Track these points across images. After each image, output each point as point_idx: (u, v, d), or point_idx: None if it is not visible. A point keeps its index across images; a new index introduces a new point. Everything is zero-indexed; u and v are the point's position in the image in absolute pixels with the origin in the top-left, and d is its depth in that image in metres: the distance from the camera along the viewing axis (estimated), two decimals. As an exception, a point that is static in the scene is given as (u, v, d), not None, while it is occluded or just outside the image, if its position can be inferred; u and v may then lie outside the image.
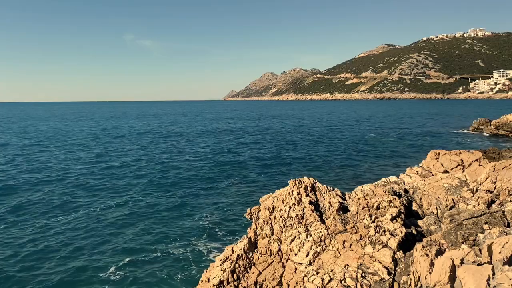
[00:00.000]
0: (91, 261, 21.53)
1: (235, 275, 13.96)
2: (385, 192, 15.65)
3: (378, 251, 12.14)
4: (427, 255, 9.38)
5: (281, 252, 14.36)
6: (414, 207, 16.11)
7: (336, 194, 16.12)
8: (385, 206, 14.23)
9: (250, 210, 17.44)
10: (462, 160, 19.99)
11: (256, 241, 15.64)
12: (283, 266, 13.81)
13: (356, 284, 11.09)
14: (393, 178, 19.64)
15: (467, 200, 14.19)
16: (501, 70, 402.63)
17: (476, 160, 19.30)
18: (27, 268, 20.81)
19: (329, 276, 11.53)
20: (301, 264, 13.10)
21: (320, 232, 13.77)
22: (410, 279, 10.07)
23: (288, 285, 12.84)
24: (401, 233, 12.72)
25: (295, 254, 13.53)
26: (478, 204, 13.26)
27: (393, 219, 13.47)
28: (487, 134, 79.71)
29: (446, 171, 19.69)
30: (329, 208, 15.08)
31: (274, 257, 14.36)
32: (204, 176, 43.15)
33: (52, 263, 21.43)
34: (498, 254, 7.93)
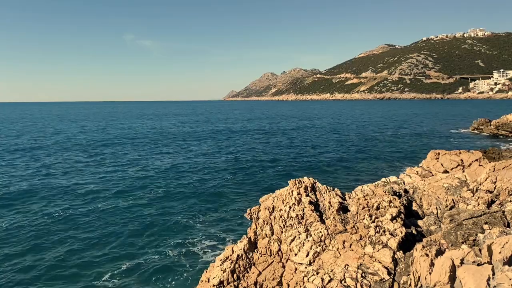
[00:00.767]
0: (90, 261, 21.51)
1: (235, 275, 13.96)
2: (385, 192, 15.65)
3: (378, 251, 12.14)
4: (427, 255, 9.38)
5: (281, 252, 14.36)
6: (414, 207, 16.12)
7: (336, 194, 16.13)
8: (385, 206, 14.24)
9: (250, 210, 17.44)
10: (462, 160, 20.00)
11: (256, 241, 15.64)
12: (283, 266, 13.82)
13: (356, 284, 11.09)
14: (393, 178, 19.65)
15: (467, 200, 14.20)
16: (501, 70, 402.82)
17: (476, 160, 19.31)
18: (16, 271, 20.82)
19: (329, 276, 11.53)
20: (301, 264, 13.10)
21: (320, 232, 13.77)
22: (410, 279, 10.07)
23: (288, 285, 12.84)
24: (401, 233, 12.72)
25: (295, 254, 13.53)
26: (478, 204, 13.26)
27: (393, 219, 13.48)
28: (487, 134, 79.71)
29: (446, 171, 19.70)
30: (329, 208, 15.08)
31: (274, 257, 14.36)
32: (204, 176, 43.15)
33: (48, 264, 21.43)
34: (498, 254, 7.94)
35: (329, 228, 13.95)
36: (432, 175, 19.49)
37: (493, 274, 7.34)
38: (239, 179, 41.54)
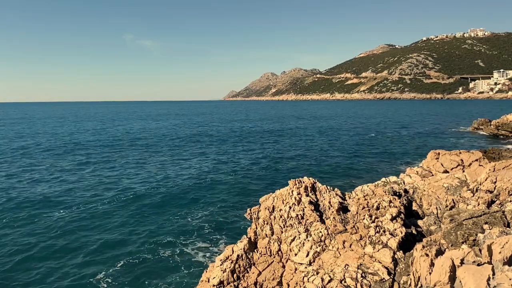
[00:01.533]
0: (88, 261, 21.52)
1: (235, 275, 13.96)
2: (385, 192, 15.66)
3: (378, 251, 12.14)
4: (427, 255, 9.38)
5: (281, 252, 14.36)
6: (414, 207, 16.12)
7: (336, 194, 16.13)
8: (385, 206, 14.24)
9: (250, 210, 17.44)
10: (462, 160, 20.01)
11: (256, 241, 15.64)
12: (283, 266, 13.82)
13: (356, 284, 11.09)
14: (393, 178, 19.65)
15: (467, 200, 14.20)
16: (501, 70, 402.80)
17: (476, 160, 19.31)
18: (12, 270, 20.82)
19: (329, 276, 11.53)
20: (301, 264, 13.10)
21: (320, 232, 13.77)
22: (410, 279, 10.07)
23: (288, 285, 12.84)
24: (401, 233, 12.72)
25: (295, 254, 13.53)
26: (478, 204, 13.26)
27: (393, 219, 13.48)
28: (487, 134, 79.70)
29: (446, 171, 19.70)
30: (329, 208, 15.08)
31: (274, 257, 14.36)
32: (204, 176, 43.16)
33: (42, 265, 21.42)
34: (498, 254, 7.93)
35: (329, 228, 13.95)
36: (432, 175, 19.50)
37: (493, 274, 7.34)
38: (239, 179, 41.54)
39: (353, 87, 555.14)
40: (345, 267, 11.87)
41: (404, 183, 18.93)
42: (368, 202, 14.76)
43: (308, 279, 11.90)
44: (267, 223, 15.77)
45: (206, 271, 15.24)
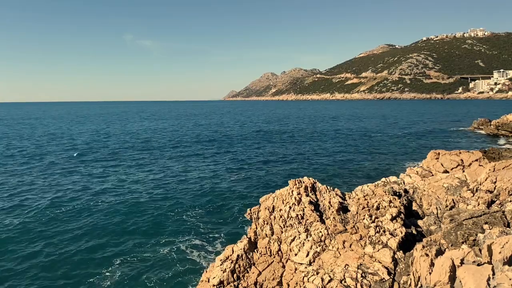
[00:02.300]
0: (89, 261, 21.52)
1: (235, 275, 13.96)
2: (385, 192, 15.66)
3: (378, 251, 12.14)
4: (427, 255, 9.38)
5: (281, 252, 14.37)
6: (414, 207, 16.12)
7: (336, 194, 16.13)
8: (385, 206, 14.24)
9: (250, 210, 17.45)
10: (462, 160, 20.01)
11: (256, 241, 15.64)
12: (283, 266, 13.82)
13: (356, 284, 11.09)
14: (393, 178, 19.65)
15: (467, 200, 14.20)
16: (501, 70, 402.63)
17: (476, 160, 19.32)
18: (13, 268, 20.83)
19: (329, 276, 11.54)
20: (301, 264, 13.10)
21: (320, 232, 13.77)
22: (410, 279, 10.07)
23: (288, 285, 12.84)
24: (401, 233, 12.73)
25: (295, 254, 13.53)
26: (478, 204, 13.27)
27: (393, 219, 13.48)
28: (487, 134, 79.72)
29: (446, 171, 19.70)
30: (329, 208, 15.08)
31: (274, 257, 14.36)
32: (204, 176, 43.16)
33: (40, 264, 21.42)
34: (498, 254, 7.93)
35: (329, 228, 13.95)
36: (432, 175, 19.50)
37: (493, 274, 7.34)
38: (239, 179, 41.53)
39: (353, 87, 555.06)
40: (345, 267, 11.87)
41: (404, 183, 18.93)
42: (368, 202, 14.77)
43: (308, 279, 11.90)
44: (267, 223, 15.77)
45: (206, 271, 15.24)
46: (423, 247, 9.96)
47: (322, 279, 11.49)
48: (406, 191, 17.51)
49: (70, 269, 20.78)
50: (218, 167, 48.60)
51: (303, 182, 16.87)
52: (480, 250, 9.29)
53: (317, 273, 11.97)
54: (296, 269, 13.06)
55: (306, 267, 12.78)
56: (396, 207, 14.10)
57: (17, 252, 22.88)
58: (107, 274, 20.05)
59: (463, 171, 18.17)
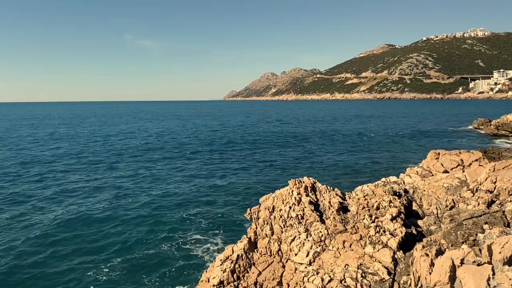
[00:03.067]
0: (84, 261, 21.51)
1: (235, 275, 13.96)
2: (385, 192, 15.65)
3: (378, 251, 12.14)
4: (427, 255, 9.38)
5: (281, 252, 14.37)
6: (414, 207, 16.12)
7: (336, 194, 16.13)
8: (385, 206, 14.24)
9: (250, 210, 17.44)
10: (462, 160, 20.00)
11: (256, 241, 15.64)
12: (283, 266, 13.82)
13: (356, 284, 11.09)
14: (393, 178, 19.65)
15: (467, 200, 14.19)
16: (501, 70, 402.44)
17: (476, 160, 19.31)
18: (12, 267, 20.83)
19: (329, 276, 11.53)
20: (301, 264, 13.10)
21: (320, 232, 13.77)
22: (410, 279, 10.07)
23: (288, 285, 12.84)
24: (401, 233, 12.72)
25: (295, 254, 13.53)
26: (478, 204, 13.26)
27: (393, 219, 13.48)
28: (487, 134, 79.71)
29: (446, 171, 19.69)
30: (329, 208, 15.08)
31: (274, 257, 14.36)
32: (204, 176, 43.16)
33: (42, 262, 21.42)
34: (498, 254, 7.93)
35: (329, 228, 13.95)
36: (432, 175, 19.49)
37: (493, 274, 7.33)
38: (239, 179, 41.53)
39: (353, 87, 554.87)
40: (345, 267, 11.87)
41: (404, 183, 18.93)
42: (368, 202, 14.76)
43: (308, 279, 11.90)
44: (267, 223, 15.77)
45: (206, 271, 15.24)
46: (423, 247, 9.96)
47: (322, 279, 11.49)
48: (406, 191, 17.51)
49: (74, 267, 20.79)
50: (217, 168, 48.59)
51: (303, 182, 16.87)
52: (480, 250, 9.29)
53: (317, 273, 11.97)
54: (296, 269, 13.06)
55: (306, 267, 12.78)
56: (396, 207, 14.10)
57: (15, 249, 22.89)
58: (107, 273, 20.04)
59: (463, 171, 18.16)
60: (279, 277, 13.47)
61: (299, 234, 14.14)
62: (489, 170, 15.55)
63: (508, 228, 10.56)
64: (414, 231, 13.41)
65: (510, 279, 6.88)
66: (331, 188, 16.78)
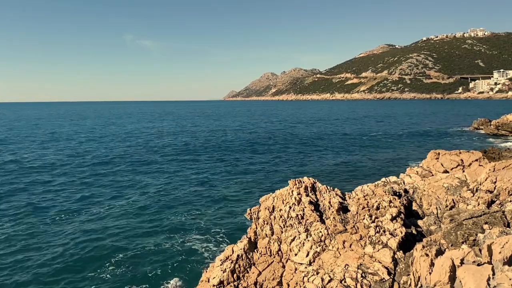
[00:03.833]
0: (85, 261, 21.52)
1: (235, 275, 13.96)
2: (385, 192, 15.65)
3: (378, 251, 12.14)
4: (427, 255, 9.38)
5: (281, 252, 14.36)
6: (414, 207, 16.12)
7: (336, 194, 16.12)
8: (385, 206, 14.24)
9: (250, 210, 17.44)
10: (462, 160, 19.99)
11: (256, 241, 15.64)
12: (283, 266, 13.82)
13: (356, 284, 11.09)
14: (393, 178, 19.64)
15: (467, 200, 14.19)
16: (501, 70, 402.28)
17: (476, 160, 19.30)
18: (16, 264, 20.83)
19: (329, 276, 11.53)
20: (301, 264, 13.10)
21: (320, 232, 13.76)
22: (410, 279, 10.07)
23: (288, 285, 12.84)
24: (401, 233, 12.72)
25: (295, 254, 13.53)
26: (478, 204, 13.26)
27: (393, 219, 13.47)
28: (487, 134, 79.71)
29: (446, 171, 19.69)
30: (329, 208, 15.08)
31: (274, 257, 14.36)
32: (204, 176, 43.15)
33: (44, 260, 21.43)
34: (498, 254, 7.93)
35: (329, 228, 13.94)
36: (432, 175, 19.49)
37: (493, 274, 7.33)
38: (239, 179, 41.54)
39: (353, 87, 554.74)
40: (345, 267, 11.87)
41: (404, 183, 18.92)
42: (368, 202, 14.76)
43: (308, 279, 11.90)
44: (267, 223, 15.77)
45: (206, 271, 15.24)
46: (423, 247, 9.96)
47: (322, 279, 11.49)
48: (406, 191, 17.51)
49: (76, 266, 20.82)
50: (217, 168, 48.59)
51: (303, 182, 16.87)
52: (480, 250, 9.29)
53: (317, 273, 11.97)
54: (296, 269, 13.05)
55: (306, 267, 12.78)
56: (396, 207, 14.10)
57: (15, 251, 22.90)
58: (106, 273, 20.04)
59: (463, 171, 18.16)
60: (279, 277, 13.47)
61: (299, 234, 14.14)
62: (489, 170, 15.55)
63: (508, 228, 10.56)
64: (414, 231, 13.41)
65: (510, 279, 6.88)
66: (331, 188, 16.78)
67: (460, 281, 7.69)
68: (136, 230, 26.23)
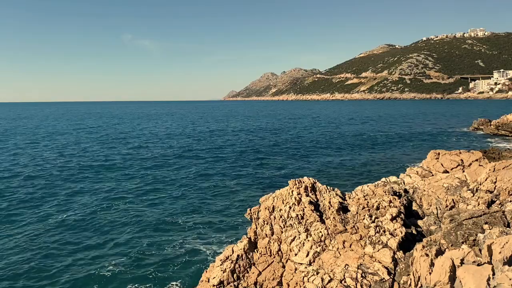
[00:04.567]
0: (86, 261, 21.52)
1: (235, 275, 13.97)
2: (385, 192, 15.65)
3: (378, 251, 12.14)
4: (427, 255, 9.38)
5: (281, 252, 14.37)
6: (414, 207, 16.12)
7: (336, 194, 16.12)
8: (385, 206, 14.24)
9: (250, 210, 17.44)
10: (462, 160, 19.99)
11: (256, 241, 15.64)
12: (283, 266, 13.82)
13: (356, 284, 11.09)
14: (393, 178, 19.64)
15: (467, 200, 14.19)
16: (501, 70, 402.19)
17: (476, 160, 19.30)
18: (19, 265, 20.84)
19: (329, 276, 11.53)
20: (301, 264, 13.10)
21: (320, 232, 13.77)
22: (410, 279, 10.08)
23: (288, 285, 12.84)
24: (401, 233, 12.73)
25: (295, 254, 13.53)
26: (478, 204, 13.26)
27: (393, 219, 13.48)
28: (487, 134, 79.72)
29: (446, 171, 19.69)
30: (329, 208, 15.08)
31: (274, 257, 14.36)
32: (204, 176, 43.15)
33: (45, 263, 21.43)
34: (498, 254, 7.93)
35: (329, 228, 13.95)
36: (432, 175, 19.49)
37: (493, 274, 7.34)
38: (239, 179, 41.54)
39: (353, 87, 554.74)
40: (345, 267, 11.87)
41: (404, 183, 18.93)
42: (368, 202, 14.77)
43: (308, 279, 11.90)
44: (267, 223, 15.77)
45: (206, 271, 15.24)
46: (423, 247, 9.96)
47: (322, 279, 11.49)
48: (406, 191, 17.51)
49: (76, 266, 20.81)
50: (217, 168, 48.59)
51: (303, 182, 16.87)
52: (480, 250, 9.29)
53: (317, 273, 11.97)
54: (296, 269, 13.06)
55: (306, 267, 12.78)
56: (396, 207, 14.10)
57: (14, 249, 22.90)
58: (106, 273, 20.05)
59: (463, 171, 18.16)
60: (279, 277, 13.47)
61: (299, 234, 14.15)
62: (489, 170, 15.55)
63: (508, 228, 10.56)
64: (414, 231, 13.41)
65: (510, 279, 6.88)
66: (331, 188, 16.78)
67: (460, 281, 7.69)
68: (136, 230, 26.22)
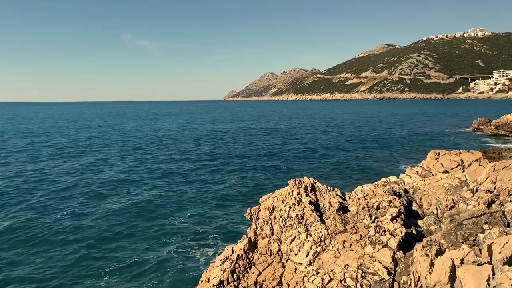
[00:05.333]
0: (89, 261, 21.52)
1: (235, 275, 13.97)
2: (385, 192, 15.65)
3: (378, 251, 12.14)
4: (427, 255, 9.38)
5: (281, 252, 14.37)
6: (414, 207, 16.12)
7: (336, 194, 16.12)
8: (385, 206, 14.24)
9: (250, 210, 17.45)
10: (462, 160, 20.00)
11: (256, 241, 15.64)
12: (283, 266, 13.82)
13: (356, 284, 11.09)
14: (393, 178, 19.65)
15: (467, 200, 14.19)
16: (501, 70, 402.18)
17: (476, 160, 19.31)
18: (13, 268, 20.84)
19: (329, 276, 11.53)
20: (301, 264, 13.10)
21: (320, 232, 13.77)
22: (410, 279, 10.08)
23: (288, 285, 12.84)
24: (401, 233, 12.73)
25: (295, 254, 13.53)
26: (478, 204, 13.26)
27: (393, 219, 13.48)
28: (487, 134, 79.71)
29: (446, 171, 19.69)
30: (329, 208, 15.08)
31: (274, 257, 14.36)
32: (203, 176, 43.15)
33: (45, 267, 21.43)
34: (498, 254, 7.93)
35: (329, 228, 13.95)
36: (432, 175, 19.49)
37: (493, 274, 7.34)
38: (239, 179, 41.54)
39: (353, 87, 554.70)
40: (345, 267, 11.87)
41: (404, 183, 18.93)
42: (368, 202, 14.77)
43: (308, 279, 11.90)
44: (267, 223, 15.77)
45: (206, 271, 15.24)
46: (423, 247, 9.97)
47: (322, 279, 11.49)
48: (406, 191, 17.51)
49: (76, 269, 20.79)
50: (217, 168, 48.59)
51: (303, 182, 16.87)
52: (480, 250, 9.29)
53: (317, 273, 11.97)
54: (296, 269, 13.06)
55: (306, 267, 12.78)
56: (396, 207, 14.10)
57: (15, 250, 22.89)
58: (107, 274, 20.04)
59: (463, 171, 18.16)
60: (279, 277, 13.48)
61: (299, 234, 14.15)
62: (489, 170, 15.55)
63: (508, 228, 10.56)
64: (414, 231, 13.41)
65: (510, 279, 6.88)
66: (331, 188, 16.78)
67: (460, 281, 7.69)
68: (136, 231, 26.23)
